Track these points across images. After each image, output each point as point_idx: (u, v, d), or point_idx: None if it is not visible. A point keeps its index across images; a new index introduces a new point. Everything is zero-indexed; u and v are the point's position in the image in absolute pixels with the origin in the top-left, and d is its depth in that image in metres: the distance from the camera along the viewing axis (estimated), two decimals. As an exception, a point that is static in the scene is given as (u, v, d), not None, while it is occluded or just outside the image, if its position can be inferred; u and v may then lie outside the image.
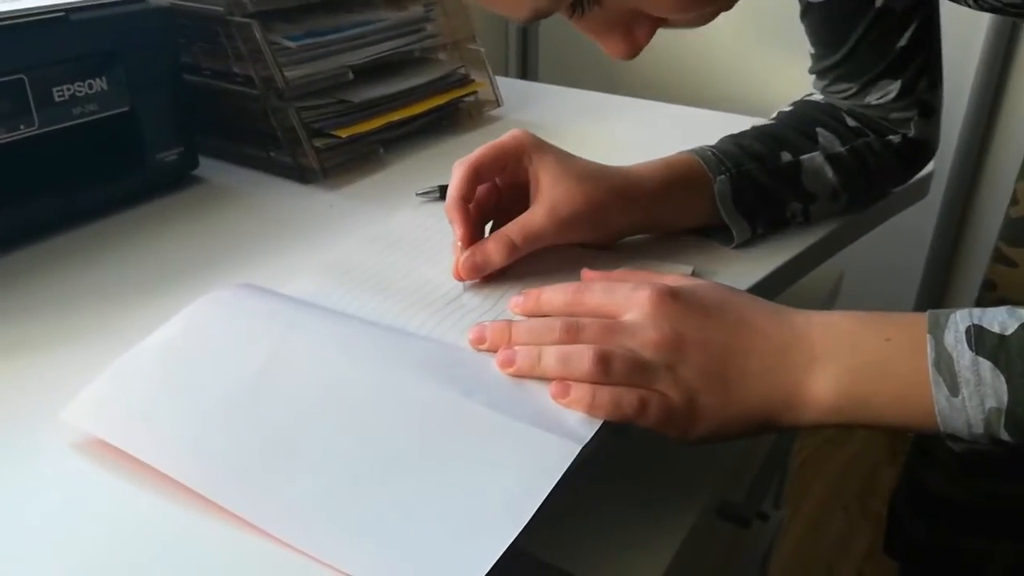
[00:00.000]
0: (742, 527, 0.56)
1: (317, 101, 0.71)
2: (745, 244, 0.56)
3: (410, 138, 0.78)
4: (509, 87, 0.90)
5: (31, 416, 0.41)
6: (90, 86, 0.60)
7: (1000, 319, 0.39)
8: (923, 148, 0.61)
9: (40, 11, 0.56)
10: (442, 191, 0.65)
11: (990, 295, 0.76)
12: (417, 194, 0.65)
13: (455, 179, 0.50)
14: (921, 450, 0.88)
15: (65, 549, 0.33)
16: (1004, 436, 0.38)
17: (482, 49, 0.84)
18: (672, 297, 0.42)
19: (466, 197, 0.50)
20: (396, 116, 0.75)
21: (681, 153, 0.57)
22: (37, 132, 0.57)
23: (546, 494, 0.34)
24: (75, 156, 0.60)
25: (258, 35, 0.66)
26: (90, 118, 0.60)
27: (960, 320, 0.39)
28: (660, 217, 0.55)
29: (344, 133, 0.71)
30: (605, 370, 0.40)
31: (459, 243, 0.50)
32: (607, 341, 0.41)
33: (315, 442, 0.37)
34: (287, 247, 0.59)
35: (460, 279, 0.50)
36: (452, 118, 0.83)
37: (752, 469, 0.62)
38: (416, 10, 0.80)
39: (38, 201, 0.59)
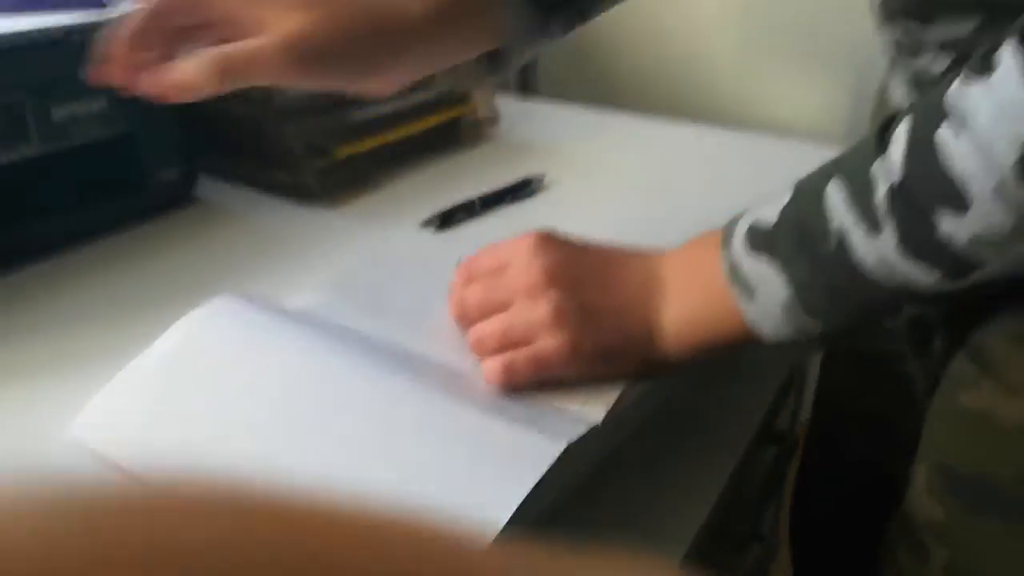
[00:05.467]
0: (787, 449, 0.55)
1: (315, 120, 0.71)
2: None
3: (409, 156, 0.79)
4: (509, 104, 0.91)
5: (38, 436, 0.41)
6: (89, 106, 0.60)
7: (769, 212, 0.39)
8: None
9: (40, 32, 0.56)
10: (442, 219, 0.65)
11: None
12: (421, 225, 0.64)
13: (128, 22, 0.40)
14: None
15: None
16: (810, 322, 0.39)
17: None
18: (549, 238, 0.44)
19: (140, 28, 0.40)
20: (395, 135, 0.76)
21: None
22: (36, 153, 0.58)
23: (525, 494, 0.34)
24: (74, 177, 0.61)
25: (257, 56, 0.66)
26: (89, 139, 0.61)
27: (742, 224, 0.40)
28: (438, 51, 0.45)
29: (342, 152, 0.71)
30: (482, 350, 0.42)
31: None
32: (489, 301, 0.43)
33: (306, 451, 0.37)
34: (285, 267, 0.59)
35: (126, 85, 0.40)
36: (451, 136, 0.83)
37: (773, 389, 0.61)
38: (415, 29, 0.81)
39: (38, 222, 0.59)
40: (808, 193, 0.38)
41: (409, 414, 0.39)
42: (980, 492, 0.43)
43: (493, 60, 0.49)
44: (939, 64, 0.44)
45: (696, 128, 0.88)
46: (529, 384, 0.41)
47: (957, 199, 0.33)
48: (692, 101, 1.25)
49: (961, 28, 0.41)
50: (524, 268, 0.42)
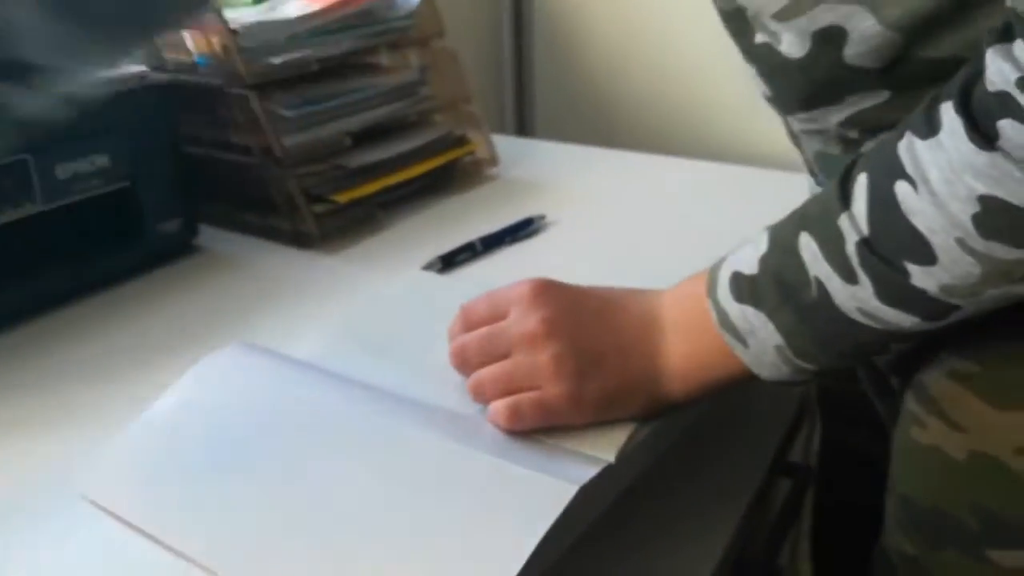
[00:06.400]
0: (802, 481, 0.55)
1: (315, 167, 0.72)
2: None
3: (409, 200, 0.79)
4: (506, 144, 0.91)
5: (45, 489, 0.41)
6: (92, 163, 0.61)
7: (748, 260, 0.40)
8: None
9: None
10: (443, 262, 0.65)
11: None
12: (423, 268, 0.65)
13: None
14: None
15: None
16: (806, 365, 0.39)
17: (477, 110, 0.85)
18: (547, 285, 0.44)
19: None
20: (394, 179, 0.76)
21: None
22: (40, 210, 0.58)
23: (539, 539, 0.33)
24: (77, 231, 0.61)
25: (255, 106, 0.67)
26: (92, 193, 0.61)
27: (724, 272, 0.40)
28: None
29: (342, 198, 0.72)
30: (481, 398, 0.42)
31: None
32: (489, 350, 0.43)
33: (314, 503, 0.37)
34: (289, 313, 0.59)
35: None
36: (449, 178, 0.84)
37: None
38: (411, 74, 0.82)
39: (42, 276, 0.59)
40: (783, 244, 0.39)
41: (419, 462, 0.38)
42: (939, 525, 0.43)
43: None
44: (841, 137, 0.44)
45: (694, 163, 0.89)
46: (534, 428, 0.41)
47: (924, 253, 0.34)
48: (689, 137, 1.26)
49: (868, 103, 0.41)
50: (523, 317, 0.42)
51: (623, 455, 0.40)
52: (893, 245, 0.35)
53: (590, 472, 0.37)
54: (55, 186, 0.59)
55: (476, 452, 0.38)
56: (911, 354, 0.44)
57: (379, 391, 0.44)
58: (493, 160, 0.86)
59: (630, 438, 0.41)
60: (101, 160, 0.61)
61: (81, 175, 0.60)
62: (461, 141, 0.84)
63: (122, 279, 0.64)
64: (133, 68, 0.63)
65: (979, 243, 0.32)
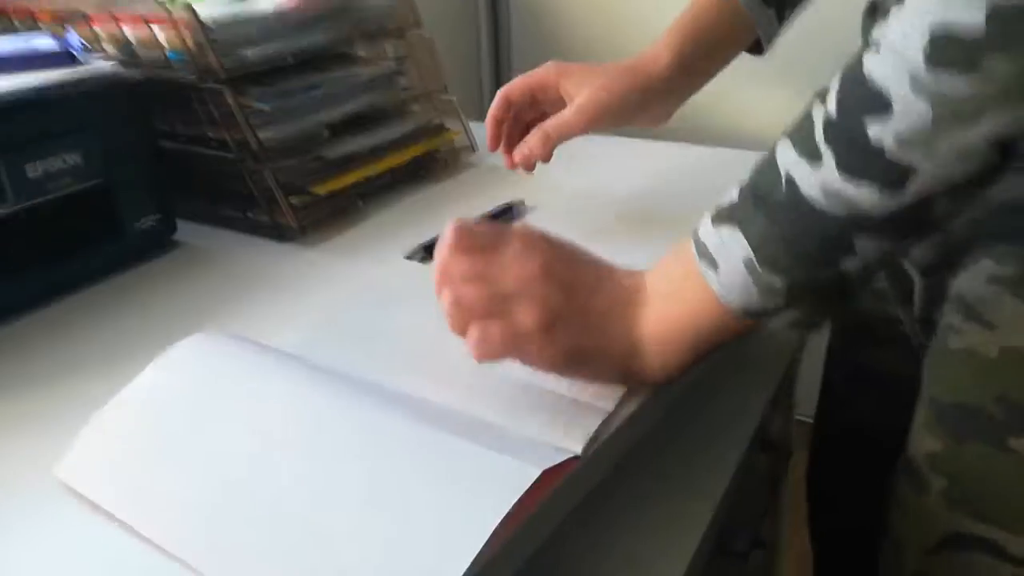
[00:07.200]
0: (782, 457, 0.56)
1: (293, 160, 0.71)
2: None
3: (388, 190, 0.79)
4: (484, 132, 0.91)
5: (25, 487, 0.41)
6: (64, 160, 0.60)
7: (732, 192, 0.41)
8: None
9: (11, 91, 0.56)
10: (426, 251, 0.65)
11: None
12: (405, 258, 0.65)
13: (493, 104, 0.66)
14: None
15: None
16: (773, 279, 0.39)
17: (454, 98, 0.85)
18: (548, 236, 0.45)
19: (498, 117, 0.66)
20: (373, 169, 0.76)
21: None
22: (12, 210, 0.57)
23: (499, 520, 0.33)
24: (52, 230, 0.61)
25: (230, 100, 0.67)
26: (65, 192, 0.60)
27: (709, 212, 0.42)
28: (685, 92, 0.66)
29: (322, 190, 0.72)
30: (457, 314, 0.42)
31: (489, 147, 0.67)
32: (482, 287, 0.42)
33: (278, 487, 0.37)
34: (270, 307, 0.59)
35: (512, 167, 0.65)
36: (429, 167, 0.83)
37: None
38: (387, 64, 0.82)
39: (17, 278, 0.59)
40: (762, 162, 0.41)
41: (383, 443, 0.38)
42: (964, 419, 0.45)
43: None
44: None
45: (674, 146, 0.89)
46: (500, 357, 0.41)
47: (880, 104, 0.35)
48: (666, 125, 1.26)
49: None
50: (523, 256, 0.43)
51: (590, 446, 0.40)
52: (854, 108, 0.36)
53: (556, 458, 0.37)
54: (26, 185, 0.58)
55: (440, 433, 0.38)
56: (942, 264, 0.47)
57: (348, 377, 0.44)
58: (472, 147, 0.86)
59: (600, 429, 0.41)
60: (73, 158, 0.60)
61: (53, 173, 0.59)
62: (439, 130, 0.84)
63: (101, 277, 0.64)
64: (103, 64, 0.63)
65: (929, 78, 0.34)
